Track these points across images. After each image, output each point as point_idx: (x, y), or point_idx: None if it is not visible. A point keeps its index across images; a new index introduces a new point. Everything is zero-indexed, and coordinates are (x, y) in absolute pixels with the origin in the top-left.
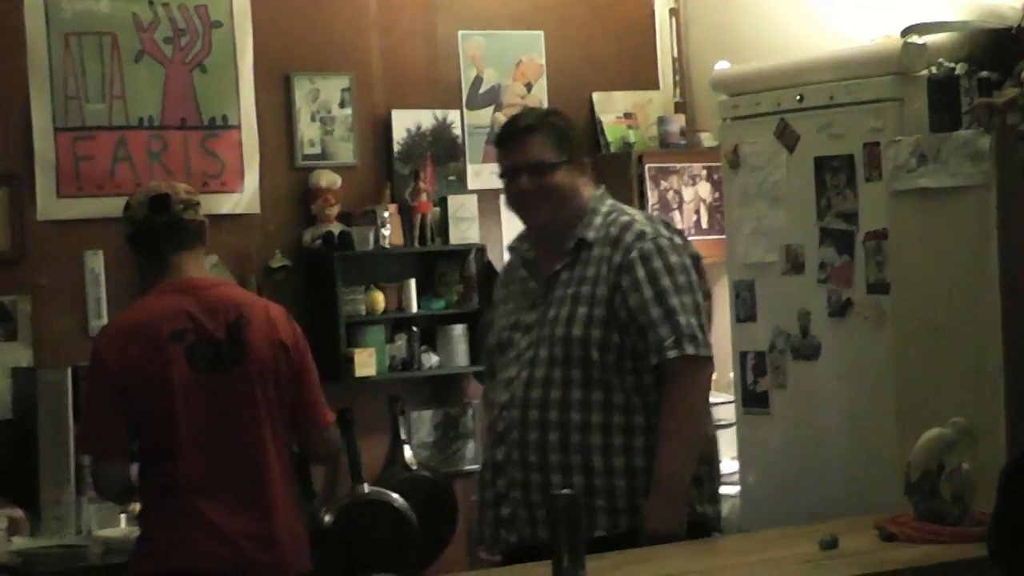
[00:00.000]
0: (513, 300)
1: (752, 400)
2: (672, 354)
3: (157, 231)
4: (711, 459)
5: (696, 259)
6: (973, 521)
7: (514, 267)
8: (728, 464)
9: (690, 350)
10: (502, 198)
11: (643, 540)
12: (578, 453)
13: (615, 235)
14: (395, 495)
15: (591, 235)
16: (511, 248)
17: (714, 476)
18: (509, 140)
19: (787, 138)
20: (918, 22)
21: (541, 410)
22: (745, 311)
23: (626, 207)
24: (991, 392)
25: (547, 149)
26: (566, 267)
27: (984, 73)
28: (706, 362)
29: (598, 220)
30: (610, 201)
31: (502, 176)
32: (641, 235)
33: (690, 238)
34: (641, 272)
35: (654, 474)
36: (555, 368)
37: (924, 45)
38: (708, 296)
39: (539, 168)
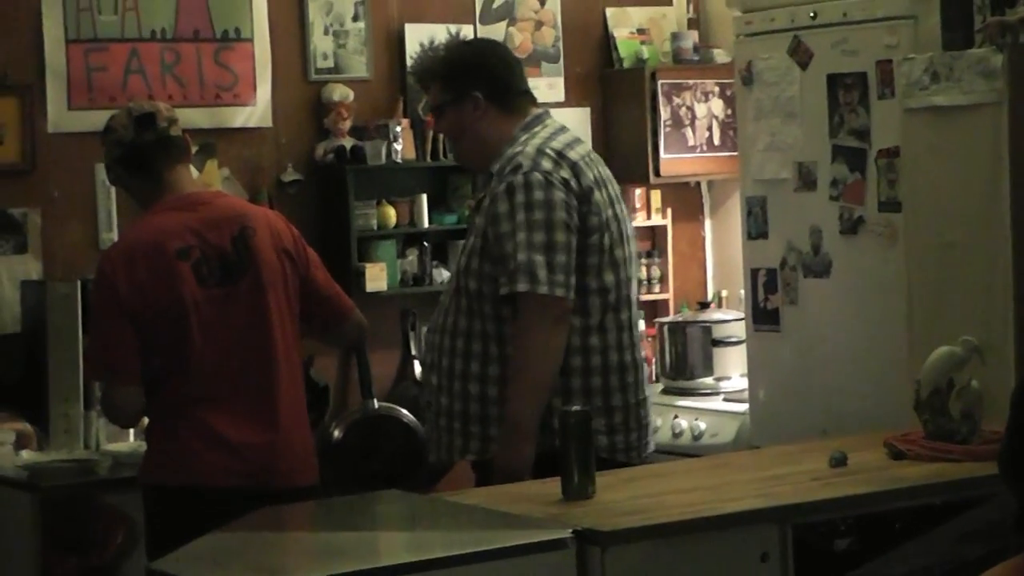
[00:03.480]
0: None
1: (762, 317)
2: (504, 290)
3: (147, 149)
4: (606, 391)
5: (586, 194)
6: (982, 439)
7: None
8: (737, 381)
9: (522, 287)
10: None
11: (495, 474)
12: (459, 379)
13: (502, 166)
14: (405, 411)
15: (496, 167)
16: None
17: (611, 408)
18: None
19: (801, 55)
20: None
21: (440, 335)
22: (757, 228)
23: (540, 133)
24: (1001, 310)
25: (433, 95)
26: (484, 198)
27: None
28: (548, 300)
29: (508, 150)
30: (536, 128)
31: None
32: (516, 168)
33: (703, 156)
34: (504, 206)
35: (507, 431)
36: (453, 297)
37: None
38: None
39: (433, 113)
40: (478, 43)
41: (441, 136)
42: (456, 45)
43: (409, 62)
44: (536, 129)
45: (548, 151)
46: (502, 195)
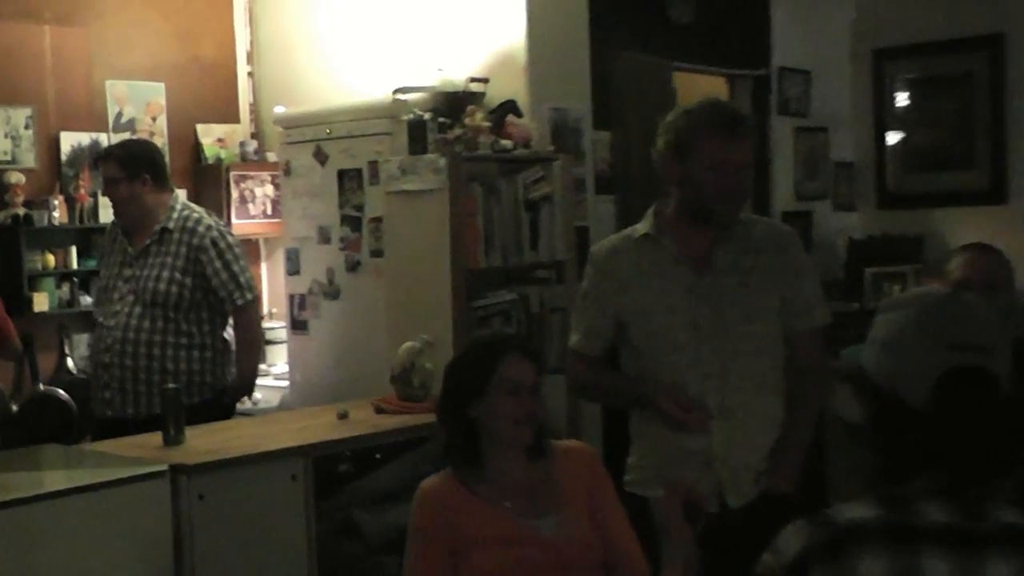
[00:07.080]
0: (115, 257)
1: (297, 326)
2: (241, 301)
3: None
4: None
5: None
6: (432, 400)
7: (116, 236)
8: (282, 367)
9: (250, 296)
10: None
11: (229, 398)
12: (156, 360)
13: (191, 226)
14: (62, 391)
15: (171, 225)
16: (114, 223)
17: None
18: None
19: (320, 157)
20: (403, 85)
21: (136, 332)
22: (293, 267)
23: (193, 206)
24: (444, 317)
25: (112, 170)
26: (153, 243)
27: (442, 119)
28: (257, 300)
29: (175, 215)
30: (182, 201)
31: None
32: (209, 227)
33: (260, 221)
34: (213, 251)
35: (245, 373)
36: (146, 308)
37: (406, 100)
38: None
39: (108, 182)
40: (146, 143)
41: (86, 207)
42: (134, 142)
43: (64, 157)
44: (183, 201)
45: (211, 214)
46: (209, 244)
